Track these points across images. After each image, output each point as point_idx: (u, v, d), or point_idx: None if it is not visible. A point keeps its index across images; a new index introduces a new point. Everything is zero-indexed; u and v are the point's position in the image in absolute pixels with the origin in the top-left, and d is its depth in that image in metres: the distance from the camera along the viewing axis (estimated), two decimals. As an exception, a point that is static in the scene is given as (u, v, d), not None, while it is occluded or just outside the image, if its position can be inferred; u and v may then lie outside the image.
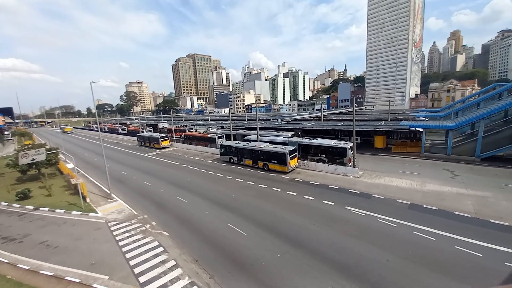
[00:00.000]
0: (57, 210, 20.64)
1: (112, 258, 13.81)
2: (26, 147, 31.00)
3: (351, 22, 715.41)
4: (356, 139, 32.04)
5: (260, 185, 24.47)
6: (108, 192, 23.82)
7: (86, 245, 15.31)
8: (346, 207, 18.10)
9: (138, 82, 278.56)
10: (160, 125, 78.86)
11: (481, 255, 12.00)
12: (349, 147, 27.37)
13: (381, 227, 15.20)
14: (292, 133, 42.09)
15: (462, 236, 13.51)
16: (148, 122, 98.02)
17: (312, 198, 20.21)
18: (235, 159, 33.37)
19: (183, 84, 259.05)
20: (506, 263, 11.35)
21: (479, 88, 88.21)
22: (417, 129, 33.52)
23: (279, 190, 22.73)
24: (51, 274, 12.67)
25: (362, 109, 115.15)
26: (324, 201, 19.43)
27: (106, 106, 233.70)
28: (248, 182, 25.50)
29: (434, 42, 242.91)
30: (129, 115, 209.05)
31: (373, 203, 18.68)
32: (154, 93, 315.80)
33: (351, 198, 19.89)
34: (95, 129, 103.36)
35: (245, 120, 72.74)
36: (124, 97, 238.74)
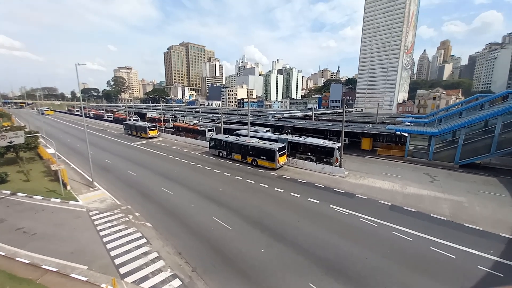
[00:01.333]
0: (35, 196, 19.82)
1: (92, 248, 13.48)
2: (4, 128, 29.48)
3: (348, 23, 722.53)
4: (344, 140, 32.68)
5: (248, 180, 24.54)
6: (91, 180, 23.10)
7: (65, 234, 14.84)
8: (330, 206, 18.52)
9: (127, 68, 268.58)
10: (149, 114, 76.89)
11: (454, 256, 12.65)
12: (337, 147, 27.89)
13: (363, 226, 15.69)
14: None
15: (438, 238, 14.19)
16: (136, 110, 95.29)
17: (298, 196, 20.51)
18: (224, 153, 33.20)
19: (175, 73, 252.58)
20: (478, 266, 11.92)
21: (463, 97, 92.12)
22: (402, 133, 34.61)
23: (267, 186, 22.89)
24: (27, 261, 12.23)
25: (352, 111, 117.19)
26: (309, 199, 19.78)
27: (92, 91, 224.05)
28: (236, 177, 25.50)
29: (424, 50, 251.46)
30: (116, 102, 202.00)
31: (356, 202, 19.21)
32: (144, 81, 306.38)
33: (335, 197, 20.36)
34: (78, 114, 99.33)
35: (236, 114, 72.23)
36: (112, 83, 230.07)
